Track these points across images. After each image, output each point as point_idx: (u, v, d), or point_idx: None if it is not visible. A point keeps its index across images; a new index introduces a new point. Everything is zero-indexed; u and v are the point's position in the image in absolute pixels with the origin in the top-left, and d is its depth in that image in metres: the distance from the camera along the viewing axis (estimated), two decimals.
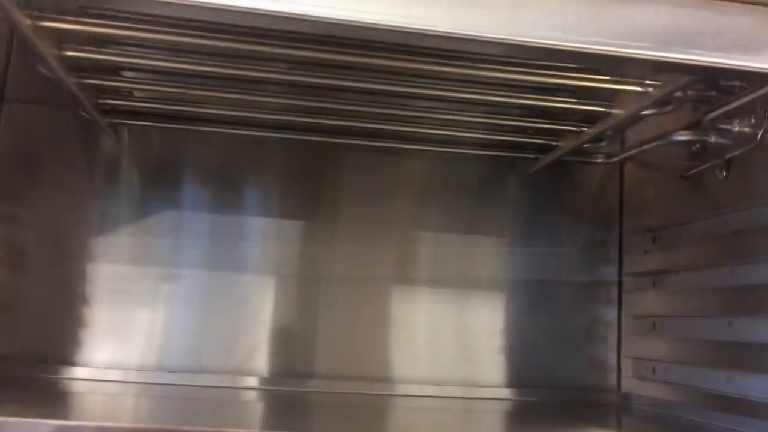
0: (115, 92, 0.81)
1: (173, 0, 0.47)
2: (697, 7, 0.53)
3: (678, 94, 0.67)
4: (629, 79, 0.66)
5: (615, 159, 0.93)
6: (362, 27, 0.49)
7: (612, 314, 0.99)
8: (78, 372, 0.87)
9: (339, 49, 0.65)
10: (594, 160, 0.94)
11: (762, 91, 0.66)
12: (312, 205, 0.96)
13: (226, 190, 0.94)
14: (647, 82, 0.66)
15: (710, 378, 0.77)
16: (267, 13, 0.48)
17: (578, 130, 0.80)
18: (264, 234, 0.94)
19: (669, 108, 0.71)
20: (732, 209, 0.76)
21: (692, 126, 0.80)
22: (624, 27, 0.52)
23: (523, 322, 0.98)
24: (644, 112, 0.71)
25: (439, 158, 0.98)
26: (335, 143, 0.92)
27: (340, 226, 0.96)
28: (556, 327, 0.99)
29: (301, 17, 0.48)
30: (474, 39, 0.50)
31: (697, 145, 0.82)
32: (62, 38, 0.66)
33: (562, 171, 0.99)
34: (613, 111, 0.72)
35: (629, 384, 0.95)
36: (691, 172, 0.83)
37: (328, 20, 0.48)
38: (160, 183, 0.93)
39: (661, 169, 0.91)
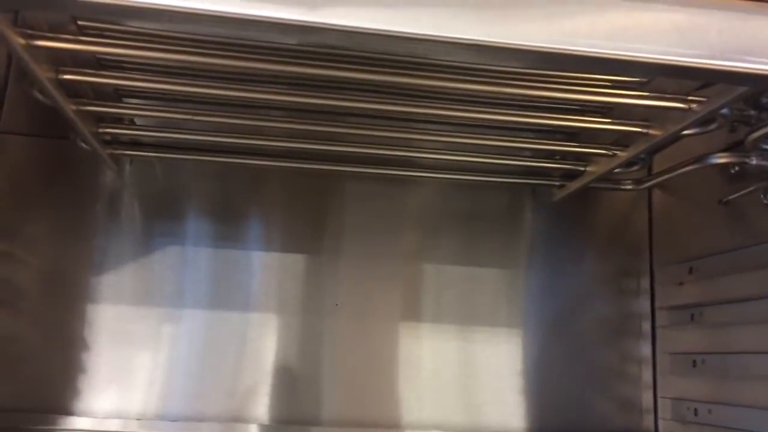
0: (116, 120, 0.76)
1: (177, 8, 0.42)
2: (754, 11, 0.48)
3: (725, 111, 0.62)
4: (670, 95, 0.61)
5: (646, 185, 0.87)
6: (383, 36, 0.45)
7: (645, 350, 0.93)
8: (77, 422, 0.81)
9: (348, 65, 0.61)
10: (623, 187, 0.89)
11: None
12: (317, 238, 0.91)
13: (230, 224, 0.89)
14: (690, 98, 0.60)
15: (760, 419, 0.71)
16: (284, 22, 0.43)
17: (610, 153, 0.75)
18: (267, 268, 0.89)
19: (713, 126, 0.66)
20: None
21: (732, 147, 0.75)
22: (674, 33, 0.47)
23: (548, 361, 0.92)
24: (685, 132, 0.66)
25: (453, 186, 0.93)
26: (341, 172, 0.87)
27: (346, 260, 0.91)
28: (584, 365, 0.93)
29: (324, 27, 0.43)
30: (506, 48, 0.46)
31: (737, 168, 0.77)
32: (59, 61, 0.61)
33: (584, 198, 0.94)
34: (651, 131, 0.67)
35: (668, 427, 0.88)
36: (731, 197, 0.77)
37: (360, 31, 0.43)
38: (162, 217, 0.88)
39: (693, 194, 0.85)
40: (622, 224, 0.96)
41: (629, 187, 0.88)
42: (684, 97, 0.61)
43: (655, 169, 0.89)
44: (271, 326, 0.88)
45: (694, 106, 0.60)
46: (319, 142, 0.78)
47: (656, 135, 0.66)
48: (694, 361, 0.83)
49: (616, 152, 0.74)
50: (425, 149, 0.80)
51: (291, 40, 0.46)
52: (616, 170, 0.80)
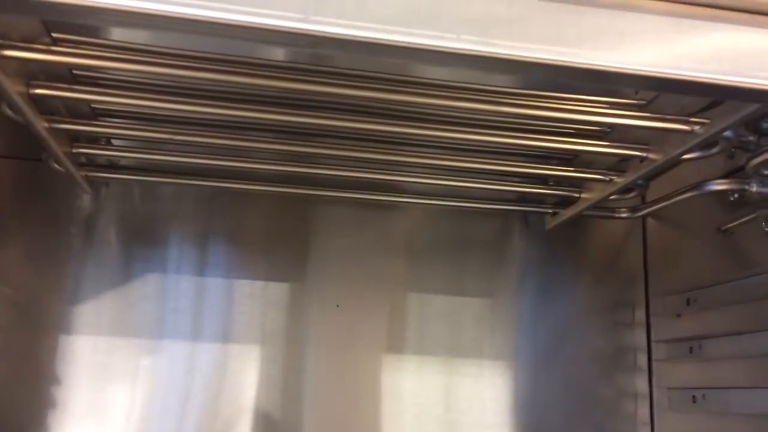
0: (92, 140, 0.73)
1: (157, 11, 0.39)
2: (761, 26, 0.46)
3: (728, 134, 0.60)
4: (672, 117, 0.59)
5: (641, 213, 0.85)
6: (371, 45, 0.42)
7: (642, 385, 0.89)
8: None
9: (333, 81, 0.58)
10: (617, 215, 0.86)
11: None
12: (300, 265, 0.87)
13: (211, 250, 0.86)
14: (693, 119, 0.58)
15: None
16: (273, 29, 0.40)
17: (606, 179, 0.72)
18: (250, 297, 0.85)
19: (715, 150, 0.63)
20: None
21: (731, 174, 0.73)
22: (680, 46, 0.45)
23: (538, 396, 0.89)
24: (686, 156, 0.64)
25: (442, 212, 0.90)
26: (325, 197, 0.84)
27: (330, 289, 0.87)
28: (576, 401, 0.89)
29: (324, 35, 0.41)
30: (501, 59, 0.43)
31: (736, 195, 0.74)
32: (31, 74, 0.58)
33: (577, 226, 0.92)
34: (650, 155, 0.64)
35: None
36: (730, 225, 0.75)
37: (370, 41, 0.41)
38: (140, 244, 0.84)
39: (690, 223, 0.83)
40: (616, 253, 0.94)
41: (624, 215, 0.86)
42: (686, 118, 0.59)
43: (649, 197, 0.87)
44: (252, 358, 0.84)
45: (696, 128, 0.58)
46: (304, 164, 0.75)
47: (656, 159, 0.64)
48: (694, 397, 0.80)
49: (612, 178, 0.72)
50: (412, 173, 0.77)
51: (283, 46, 0.43)
52: (611, 197, 0.78)
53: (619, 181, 0.70)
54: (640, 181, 0.74)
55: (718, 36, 0.45)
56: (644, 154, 0.65)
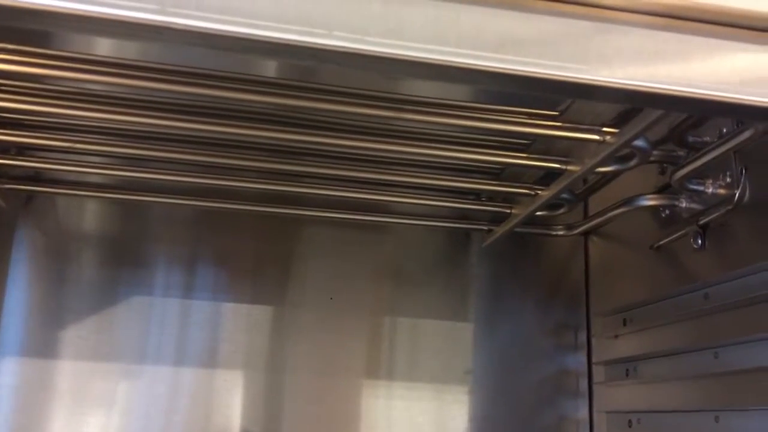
0: (3, 150, 0.70)
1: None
2: (663, 28, 0.44)
3: (641, 144, 0.58)
4: (585, 126, 0.57)
5: (576, 231, 0.82)
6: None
7: (583, 410, 0.86)
8: None
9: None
10: (553, 233, 0.84)
11: (734, 142, 0.56)
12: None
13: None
14: (605, 129, 0.56)
15: None
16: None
17: (533, 193, 0.70)
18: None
19: (633, 163, 0.61)
20: (711, 282, 0.65)
21: (661, 189, 0.71)
22: (567, 47, 0.43)
23: (489, 422, 0.85)
24: (602, 168, 0.62)
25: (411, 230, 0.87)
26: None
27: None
28: (523, 427, 0.86)
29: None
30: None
31: (667, 211, 0.72)
32: None
33: (524, 245, 0.89)
34: (569, 167, 0.62)
35: None
36: (662, 242, 0.72)
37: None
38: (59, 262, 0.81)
39: (627, 241, 0.81)
40: (560, 273, 0.91)
41: (561, 232, 0.84)
42: (599, 128, 0.57)
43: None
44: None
45: (608, 138, 0.56)
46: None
47: (574, 171, 0.62)
48: (630, 421, 0.77)
49: (538, 192, 0.69)
50: (321, 185, 0.75)
51: (138, 40, 0.40)
52: (542, 213, 0.76)
53: (543, 195, 0.68)
54: (566, 196, 0.72)
55: (610, 38, 0.43)
56: (563, 167, 0.63)
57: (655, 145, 0.68)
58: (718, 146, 0.58)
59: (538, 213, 0.78)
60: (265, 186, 0.72)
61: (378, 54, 0.41)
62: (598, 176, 0.75)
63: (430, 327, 0.87)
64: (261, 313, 0.83)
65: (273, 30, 0.41)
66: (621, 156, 0.61)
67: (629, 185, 0.75)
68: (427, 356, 0.86)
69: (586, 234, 0.90)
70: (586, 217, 0.86)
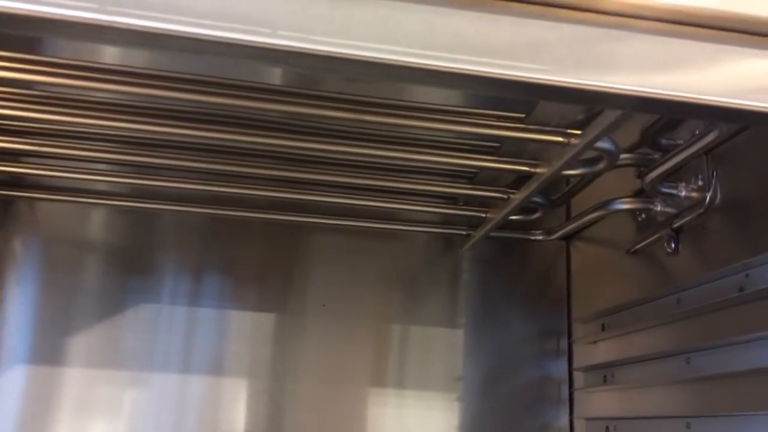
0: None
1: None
2: (605, 26, 0.44)
3: (606, 146, 0.57)
4: (550, 129, 0.57)
5: (555, 236, 0.82)
6: None
7: (564, 417, 0.86)
8: None
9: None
10: (533, 237, 0.83)
11: (700, 144, 0.56)
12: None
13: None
14: (569, 131, 0.56)
15: None
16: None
17: (505, 197, 0.69)
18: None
19: (600, 166, 0.61)
20: (684, 286, 0.64)
21: (638, 193, 0.71)
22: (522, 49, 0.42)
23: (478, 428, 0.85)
24: (570, 171, 0.61)
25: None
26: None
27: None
28: None
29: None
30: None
31: (643, 215, 0.72)
32: None
33: (509, 250, 0.89)
34: (537, 170, 0.62)
35: None
36: (637, 246, 0.72)
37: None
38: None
39: (607, 245, 0.80)
40: (544, 278, 0.90)
41: (540, 237, 0.83)
42: (564, 130, 0.56)
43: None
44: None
45: (572, 139, 0.55)
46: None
47: (542, 173, 0.61)
48: (607, 428, 0.76)
49: (510, 195, 0.69)
50: (316, 192, 0.75)
51: (80, 40, 0.41)
52: (519, 217, 0.76)
53: (515, 198, 0.67)
54: (539, 200, 0.71)
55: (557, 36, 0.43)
56: (532, 170, 0.62)
57: (630, 148, 0.67)
58: (685, 148, 0.57)
59: (516, 217, 0.78)
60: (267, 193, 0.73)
61: (323, 53, 0.41)
62: (576, 180, 0.75)
63: (424, 334, 0.87)
64: (266, 320, 0.83)
65: (216, 29, 0.40)
66: (589, 159, 0.61)
67: (612, 190, 0.74)
68: (419, 362, 0.86)
69: (568, 239, 0.90)
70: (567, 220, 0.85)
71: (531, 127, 0.57)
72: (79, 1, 0.39)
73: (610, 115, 0.50)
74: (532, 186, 0.63)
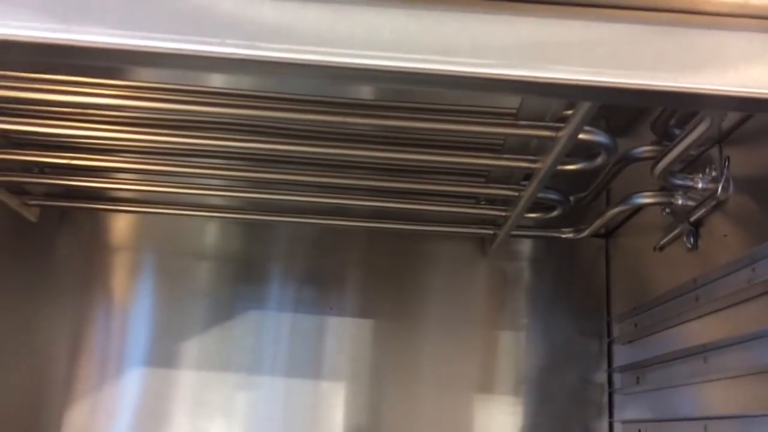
0: (26, 169, 0.77)
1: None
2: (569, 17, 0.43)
3: (605, 141, 0.55)
4: (540, 124, 0.56)
5: (584, 233, 0.80)
6: None
7: (604, 419, 0.83)
8: None
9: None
10: (563, 235, 0.82)
11: (694, 135, 0.53)
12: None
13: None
14: (556, 125, 0.55)
15: None
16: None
17: (517, 194, 0.69)
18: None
19: (599, 160, 0.59)
20: (701, 282, 0.61)
21: (661, 188, 0.68)
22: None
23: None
24: (570, 167, 0.60)
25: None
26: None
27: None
28: None
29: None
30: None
31: (667, 210, 0.69)
32: None
33: (549, 250, 0.88)
34: (536, 165, 0.61)
35: None
36: (662, 242, 0.69)
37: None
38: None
39: (640, 243, 0.77)
40: (585, 278, 0.88)
41: (569, 235, 0.81)
42: (552, 124, 0.55)
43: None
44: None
45: (559, 133, 0.54)
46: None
47: (540, 168, 0.60)
48: (639, 431, 0.73)
49: (520, 193, 0.68)
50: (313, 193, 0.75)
51: (42, 57, 0.44)
52: (537, 215, 0.75)
53: (523, 195, 0.67)
54: (554, 196, 0.70)
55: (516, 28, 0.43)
56: (532, 165, 0.62)
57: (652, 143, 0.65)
58: (682, 139, 0.55)
59: (541, 215, 0.76)
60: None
61: (269, 59, 0.43)
62: (602, 177, 0.72)
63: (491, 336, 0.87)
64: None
65: (170, 41, 0.43)
66: (589, 154, 0.60)
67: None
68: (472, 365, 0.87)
69: (607, 237, 0.87)
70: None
71: (521, 123, 0.57)
72: (45, 23, 0.42)
73: (584, 105, 0.49)
74: (534, 182, 0.62)
